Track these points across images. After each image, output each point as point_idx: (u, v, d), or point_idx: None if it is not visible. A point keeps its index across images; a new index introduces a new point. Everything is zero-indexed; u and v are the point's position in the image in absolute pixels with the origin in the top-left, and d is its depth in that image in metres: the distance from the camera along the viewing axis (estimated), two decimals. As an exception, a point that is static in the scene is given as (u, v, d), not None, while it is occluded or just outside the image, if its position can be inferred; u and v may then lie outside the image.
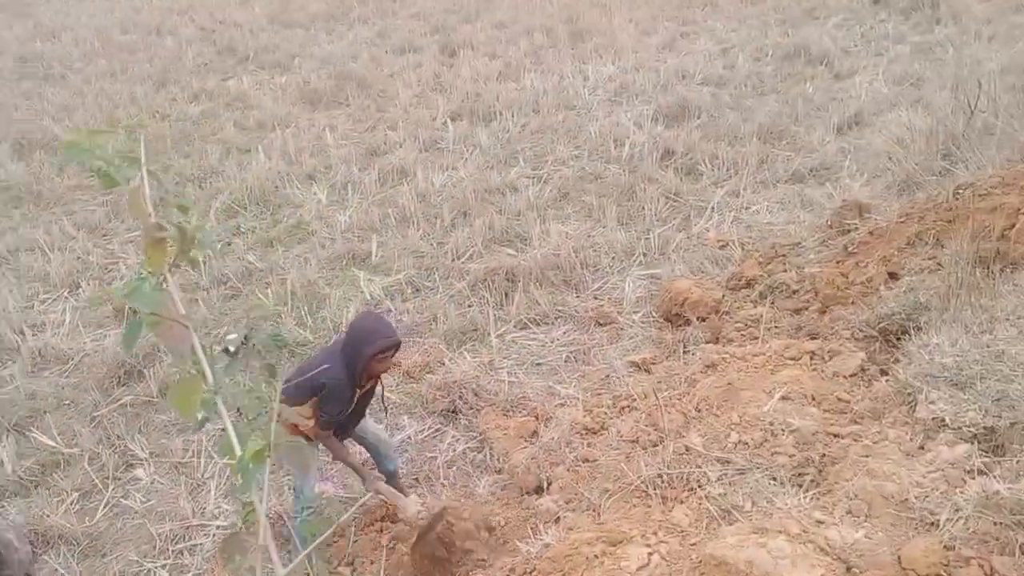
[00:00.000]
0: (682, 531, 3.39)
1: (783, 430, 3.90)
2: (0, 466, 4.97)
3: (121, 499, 4.78)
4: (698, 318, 5.64)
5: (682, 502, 3.60)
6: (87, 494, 4.87)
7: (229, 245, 7.21)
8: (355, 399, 3.95)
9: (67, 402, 5.55)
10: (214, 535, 4.50)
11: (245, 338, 1.46)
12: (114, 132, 1.30)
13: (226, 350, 1.48)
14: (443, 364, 5.55)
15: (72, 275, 6.99)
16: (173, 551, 4.41)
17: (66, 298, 6.70)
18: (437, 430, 5.09)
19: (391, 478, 4.46)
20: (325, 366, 3.80)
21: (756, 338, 5.19)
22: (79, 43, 13.80)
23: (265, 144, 9.27)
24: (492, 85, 10.51)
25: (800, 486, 3.45)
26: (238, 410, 1.32)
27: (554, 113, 9.56)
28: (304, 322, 6.11)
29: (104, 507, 4.74)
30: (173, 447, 5.08)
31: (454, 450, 4.90)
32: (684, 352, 5.40)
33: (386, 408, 4.54)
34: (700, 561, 3.07)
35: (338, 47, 12.72)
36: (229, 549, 1.33)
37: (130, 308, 1.16)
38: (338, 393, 3.82)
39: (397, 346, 3.91)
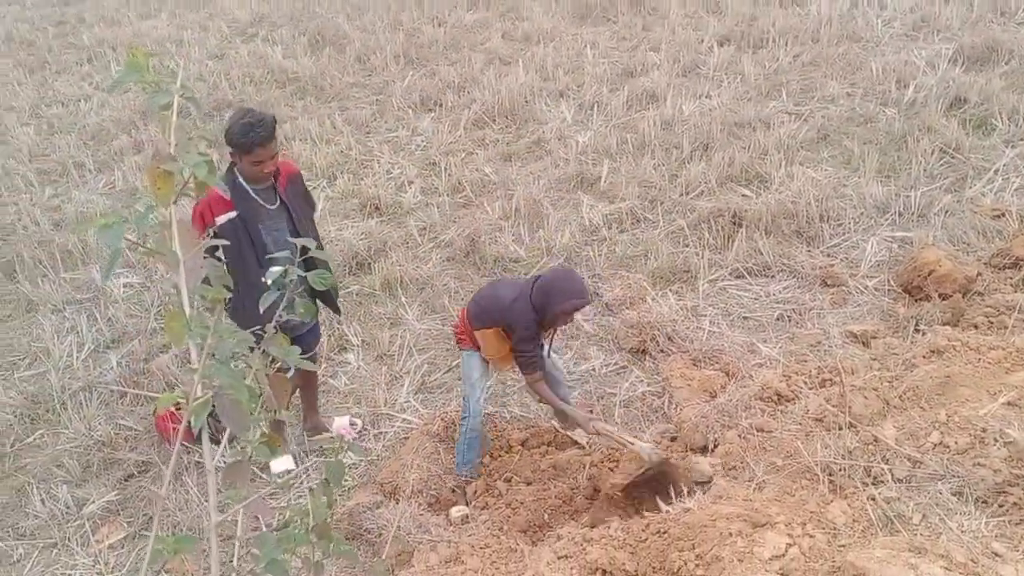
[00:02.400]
0: (834, 529, 3.06)
1: (996, 440, 3.35)
2: (242, 330, 5.66)
3: (330, 378, 5.25)
4: (940, 295, 4.93)
5: (846, 497, 3.24)
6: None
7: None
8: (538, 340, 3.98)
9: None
10: (398, 426, 4.81)
11: (284, 272, 1.47)
12: (161, 56, 1.31)
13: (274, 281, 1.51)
14: (644, 301, 5.39)
15: (332, 167, 7.63)
16: (361, 434, 4.78)
17: (323, 188, 7.35)
18: (622, 367, 4.99)
19: (563, 417, 4.48)
20: (518, 305, 3.85)
21: (1005, 328, 4.45)
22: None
23: (526, 57, 9.36)
24: (772, 9, 9.70)
25: (987, 508, 2.95)
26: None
27: (835, 44, 8.64)
28: (521, 239, 6.21)
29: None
30: (381, 338, 5.46)
31: (634, 391, 4.79)
32: (915, 331, 4.78)
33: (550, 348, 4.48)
34: (838, 567, 2.76)
35: (620, -40, 12.37)
36: (230, 475, 1.37)
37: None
38: (530, 335, 3.87)
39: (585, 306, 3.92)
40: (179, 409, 4.78)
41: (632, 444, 3.78)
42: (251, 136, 3.60)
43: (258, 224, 3.81)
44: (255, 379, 1.32)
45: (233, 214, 3.74)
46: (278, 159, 3.79)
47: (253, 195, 3.80)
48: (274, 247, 3.79)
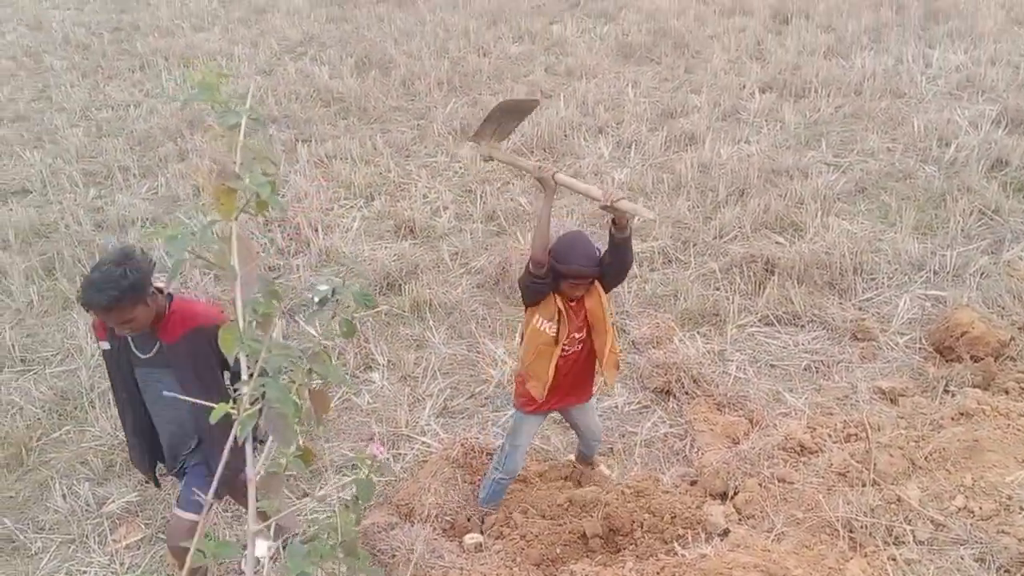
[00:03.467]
0: (851, 587, 3.02)
1: (1021, 508, 3.30)
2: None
3: (353, 396, 5.29)
4: (972, 357, 4.88)
5: (865, 556, 3.21)
6: (330, 387, 5.45)
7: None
8: (556, 305, 3.63)
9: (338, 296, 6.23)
10: (417, 448, 4.83)
11: (332, 292, 1.51)
12: (232, 76, 1.37)
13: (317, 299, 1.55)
14: (671, 342, 5.38)
15: (371, 187, 7.73)
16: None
17: (360, 207, 7.44)
18: (645, 407, 4.98)
19: (585, 460, 4.49)
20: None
21: (1037, 396, 4.39)
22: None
23: (568, 92, 9.46)
24: (816, 60, 9.72)
25: (1010, 580, 2.91)
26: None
27: (877, 98, 8.64)
28: (551, 271, 6.24)
29: (339, 399, 5.28)
30: (406, 359, 5.50)
31: (656, 431, 4.77)
32: (944, 392, 4.73)
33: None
34: (855, 626, 2.73)
35: (666, 2, 12.47)
36: (265, 485, 1.40)
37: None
38: (539, 271, 3.52)
39: (587, 279, 3.60)
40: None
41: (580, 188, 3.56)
42: (85, 298, 2.99)
43: (134, 367, 3.28)
44: (297, 393, 1.35)
45: (106, 345, 3.28)
46: (141, 319, 3.05)
47: (125, 336, 3.19)
48: (153, 399, 3.32)
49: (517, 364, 4.08)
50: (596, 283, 3.65)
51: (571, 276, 3.53)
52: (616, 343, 3.83)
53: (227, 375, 3.31)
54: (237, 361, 1.30)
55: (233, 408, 1.22)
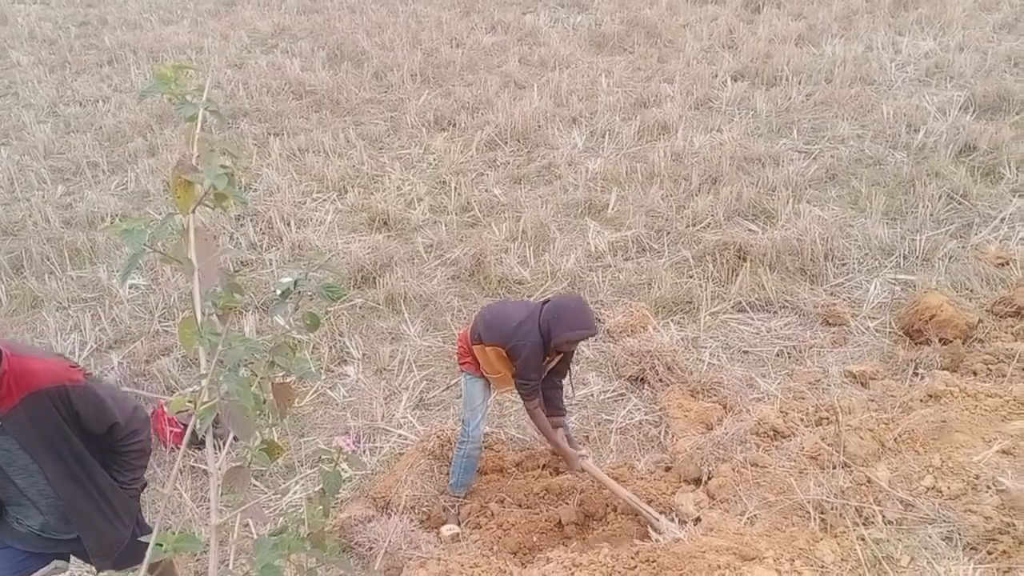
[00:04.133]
0: (822, 567, 3.07)
1: (988, 487, 3.37)
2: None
3: (328, 390, 5.28)
4: (941, 340, 4.95)
5: (836, 536, 3.25)
6: (303, 379, 5.43)
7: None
8: (542, 365, 3.95)
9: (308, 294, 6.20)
10: (394, 441, 4.83)
11: (295, 283, 1.51)
12: (194, 69, 1.36)
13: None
14: (645, 330, 5.41)
15: (344, 180, 7.69)
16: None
17: (333, 200, 7.40)
18: (620, 395, 5.01)
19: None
20: (525, 327, 3.81)
21: (1003, 376, 4.47)
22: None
23: (541, 82, 9.45)
24: (787, 48, 9.78)
25: (975, 555, 2.96)
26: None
27: (847, 86, 8.71)
28: (526, 262, 6.25)
29: (313, 393, 5.26)
30: (381, 352, 5.48)
31: (631, 419, 4.80)
32: (913, 374, 4.80)
33: (571, 379, 4.46)
34: (825, 606, 2.77)
35: (640, -9, 12.51)
36: (230, 479, 1.40)
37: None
38: (534, 358, 3.82)
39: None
40: (179, 412, 4.81)
41: (617, 491, 3.91)
42: None
43: None
44: (259, 387, 1.35)
45: None
46: None
47: None
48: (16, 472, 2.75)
49: (459, 338, 4.24)
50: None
51: (578, 340, 3.85)
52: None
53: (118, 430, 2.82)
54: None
55: (191, 403, 1.21)
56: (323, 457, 1.62)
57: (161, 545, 1.14)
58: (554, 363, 4.06)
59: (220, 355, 1.22)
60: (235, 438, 1.32)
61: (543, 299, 4.07)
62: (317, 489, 1.53)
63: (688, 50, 10.10)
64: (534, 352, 3.80)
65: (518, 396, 4.14)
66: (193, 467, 4.66)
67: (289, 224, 6.86)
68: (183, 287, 6.10)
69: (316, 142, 8.38)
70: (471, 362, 4.09)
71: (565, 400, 4.33)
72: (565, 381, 4.22)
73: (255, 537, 3.88)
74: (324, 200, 7.41)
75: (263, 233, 6.85)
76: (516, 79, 9.67)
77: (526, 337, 3.79)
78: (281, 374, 1.45)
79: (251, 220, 6.94)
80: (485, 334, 3.96)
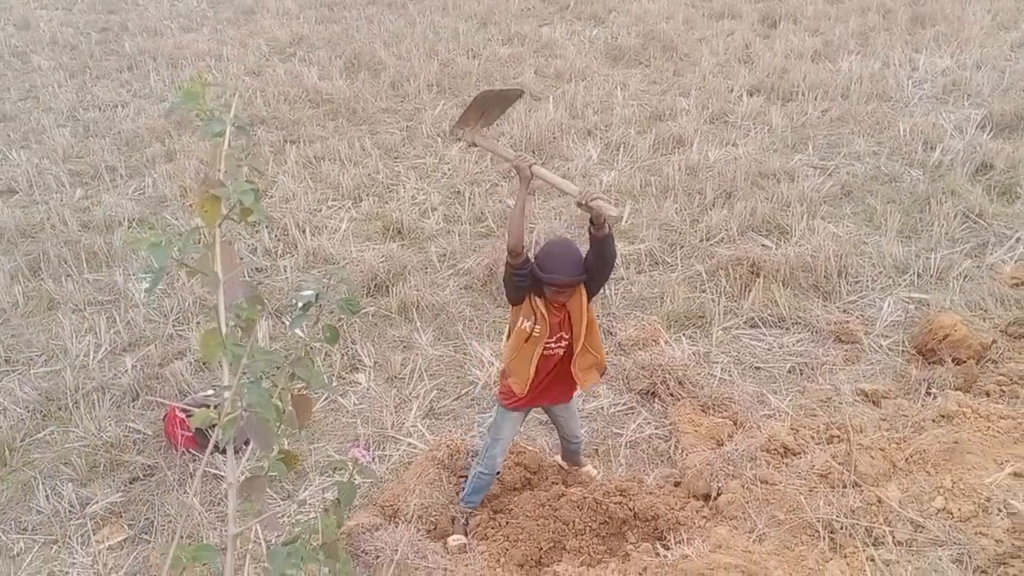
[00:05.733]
0: (831, 588, 3.06)
1: (1000, 510, 3.35)
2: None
3: (339, 397, 5.30)
4: (954, 360, 4.93)
5: (845, 556, 3.24)
6: (313, 391, 5.45)
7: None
8: (535, 306, 3.67)
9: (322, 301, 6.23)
10: (403, 450, 4.84)
11: (316, 297, 1.52)
12: (219, 86, 1.38)
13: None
14: (657, 344, 5.41)
15: (359, 188, 7.74)
16: (367, 455, 4.81)
17: (348, 208, 7.44)
18: (630, 408, 5.01)
19: (571, 460, 4.52)
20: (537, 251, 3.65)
21: (1016, 398, 4.45)
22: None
23: (557, 94, 9.49)
24: (803, 63, 9.78)
25: (987, 580, 2.94)
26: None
27: (863, 102, 8.71)
28: (539, 273, 6.26)
29: (324, 400, 5.28)
30: (393, 360, 5.50)
31: (641, 432, 4.80)
32: (926, 394, 4.78)
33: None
34: (834, 626, 2.76)
35: (656, 5, 12.54)
36: (247, 488, 1.42)
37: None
38: (520, 272, 3.57)
39: (571, 287, 3.61)
40: (189, 416, 4.84)
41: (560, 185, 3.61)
42: None
43: None
44: (279, 398, 1.37)
45: None
46: None
47: None
48: None
49: (501, 360, 4.12)
50: (581, 286, 3.67)
51: (555, 285, 3.56)
52: (596, 347, 3.84)
53: None
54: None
55: (214, 415, 1.23)
56: (337, 468, 1.63)
57: (180, 556, 1.16)
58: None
59: (244, 368, 1.24)
60: (254, 449, 1.34)
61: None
62: (331, 500, 1.54)
63: (704, 64, 10.11)
64: (523, 269, 3.56)
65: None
66: (204, 472, 4.68)
67: (304, 231, 6.91)
68: (198, 292, 6.14)
69: (332, 150, 8.43)
70: (506, 395, 3.97)
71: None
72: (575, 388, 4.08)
73: (263, 544, 3.90)
74: (339, 208, 7.45)
75: (278, 240, 6.90)
76: (531, 90, 9.70)
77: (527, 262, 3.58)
78: (300, 385, 1.46)
79: (266, 227, 6.99)
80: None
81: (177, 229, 7.15)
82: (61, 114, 9.87)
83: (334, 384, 5.40)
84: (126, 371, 5.46)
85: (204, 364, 5.48)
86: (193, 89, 1.29)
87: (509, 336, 3.85)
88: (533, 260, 3.60)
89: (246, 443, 1.86)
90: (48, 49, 12.35)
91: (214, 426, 1.37)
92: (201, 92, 1.31)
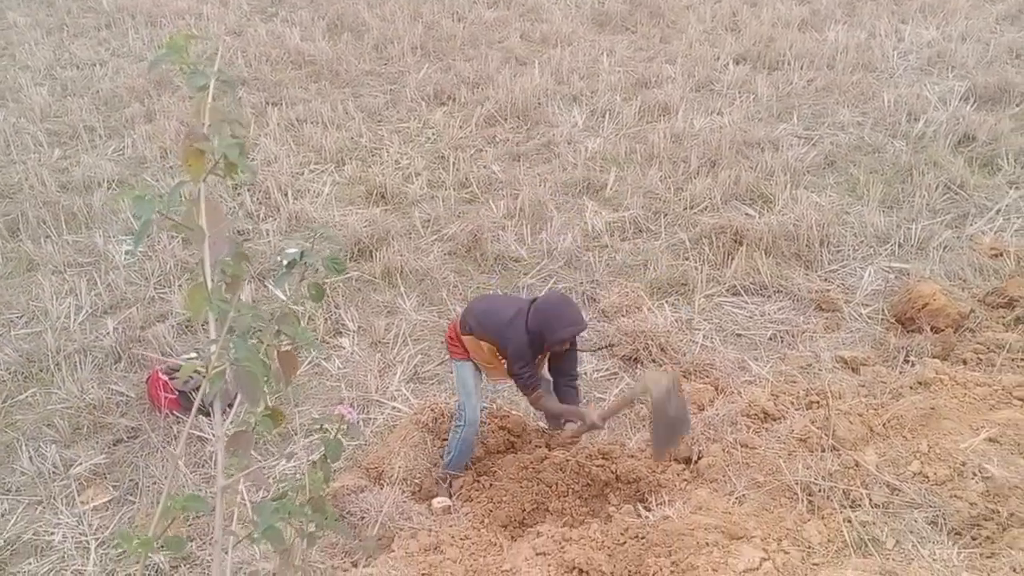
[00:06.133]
0: (808, 547, 3.13)
1: (975, 474, 3.42)
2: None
3: (323, 360, 5.30)
4: (932, 328, 5.00)
5: (823, 518, 3.31)
6: (298, 349, 5.45)
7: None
8: (535, 362, 3.96)
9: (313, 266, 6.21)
10: (387, 413, 4.87)
11: (301, 255, 1.52)
12: (205, 39, 1.36)
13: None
14: (640, 311, 5.45)
15: (342, 152, 7.67)
16: (350, 418, 4.83)
17: (331, 172, 7.39)
18: (613, 374, 5.05)
19: (565, 395, 4.53)
20: (514, 323, 3.82)
21: (992, 366, 4.52)
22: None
23: (543, 59, 9.41)
24: (790, 32, 9.75)
25: (960, 539, 3.01)
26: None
27: (849, 72, 8.70)
28: (523, 240, 6.27)
29: (308, 363, 5.29)
30: (377, 325, 5.51)
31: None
32: (904, 362, 4.85)
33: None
34: (810, 585, 2.82)
35: (643, -29, 12.41)
36: (234, 443, 1.42)
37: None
38: (524, 355, 3.84)
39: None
40: (173, 378, 4.83)
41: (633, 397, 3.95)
42: None
43: None
44: (265, 354, 1.37)
45: None
46: None
47: None
48: None
49: (449, 328, 4.26)
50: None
51: (569, 338, 3.85)
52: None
53: None
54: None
55: (200, 369, 1.23)
56: (324, 425, 1.64)
57: (170, 506, 1.17)
58: (553, 361, 4.12)
59: (231, 322, 1.24)
60: (241, 403, 1.34)
61: (531, 297, 4.08)
62: (318, 456, 1.56)
63: (691, 31, 10.06)
64: (521, 350, 3.81)
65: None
66: (188, 434, 4.69)
67: (287, 195, 6.86)
68: (179, 254, 6.10)
69: (315, 113, 8.34)
70: (459, 350, 4.11)
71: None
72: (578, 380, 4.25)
73: (248, 504, 3.92)
74: (322, 172, 7.39)
75: (260, 203, 6.85)
76: (517, 55, 9.62)
77: (515, 335, 3.81)
78: (286, 343, 1.47)
79: (248, 190, 6.93)
80: (476, 327, 3.97)
81: (158, 190, 7.07)
82: (38, 72, 9.69)
83: (318, 348, 5.39)
84: (107, 333, 5.43)
85: (187, 326, 5.46)
86: (177, 42, 1.27)
87: (483, 355, 4.05)
88: (536, 323, 3.78)
89: (230, 406, 1.87)
90: (24, 5, 12.08)
91: (198, 389, 1.38)
92: (184, 45, 1.29)
